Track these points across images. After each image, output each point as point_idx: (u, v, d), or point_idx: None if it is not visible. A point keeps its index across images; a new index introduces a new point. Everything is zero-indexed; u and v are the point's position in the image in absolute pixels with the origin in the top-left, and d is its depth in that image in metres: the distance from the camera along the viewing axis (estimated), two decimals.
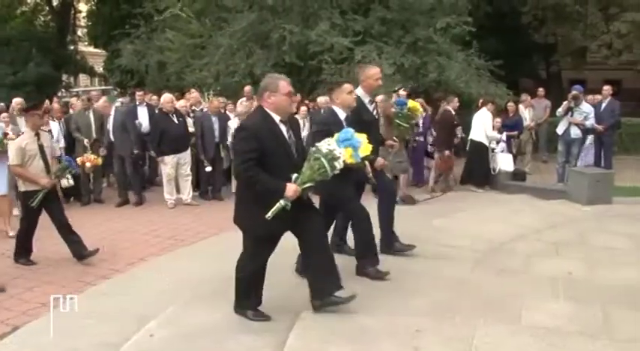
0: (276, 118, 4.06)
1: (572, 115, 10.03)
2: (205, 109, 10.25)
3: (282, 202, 3.88)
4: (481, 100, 10.78)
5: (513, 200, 8.62)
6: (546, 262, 5.58)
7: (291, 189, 3.90)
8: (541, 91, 14.28)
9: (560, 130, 10.33)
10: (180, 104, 9.51)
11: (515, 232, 6.61)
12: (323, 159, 3.95)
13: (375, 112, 5.48)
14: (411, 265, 5.36)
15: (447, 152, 9.65)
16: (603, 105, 11.08)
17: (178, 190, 9.19)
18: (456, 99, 10.39)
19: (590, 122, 10.29)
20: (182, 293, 4.74)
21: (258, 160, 3.90)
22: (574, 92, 10.44)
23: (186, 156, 9.07)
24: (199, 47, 15.93)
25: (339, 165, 4.00)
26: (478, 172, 9.69)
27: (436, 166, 9.97)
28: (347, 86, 5.01)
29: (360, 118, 5.07)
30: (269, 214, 3.87)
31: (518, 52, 24.95)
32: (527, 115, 12.61)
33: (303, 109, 10.06)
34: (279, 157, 4.01)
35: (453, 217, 7.51)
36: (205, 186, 9.56)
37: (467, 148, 10.18)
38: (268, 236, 4.09)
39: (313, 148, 4.05)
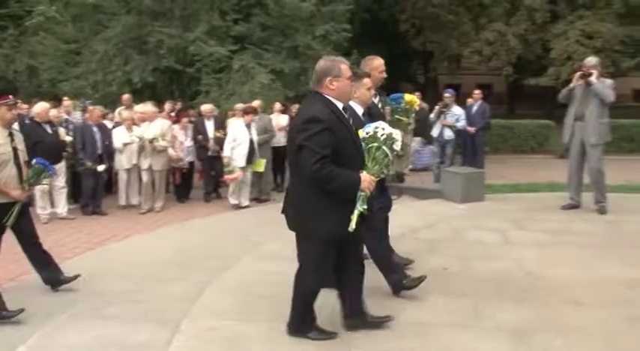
0: (339, 105, 3.66)
1: (444, 118, 10.51)
2: (79, 119, 9.88)
3: (359, 207, 3.56)
4: None
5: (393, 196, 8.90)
6: (423, 260, 5.78)
7: (367, 179, 3.57)
8: (418, 95, 14.87)
9: (435, 133, 10.81)
10: (52, 113, 9.04)
11: (394, 233, 6.77)
12: (384, 147, 3.71)
13: (380, 106, 5.26)
14: (289, 271, 5.38)
15: None
16: (474, 108, 11.73)
17: (53, 204, 8.73)
18: None
19: (462, 124, 10.82)
20: (56, 315, 4.53)
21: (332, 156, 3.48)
22: (445, 96, 10.94)
23: (60, 167, 8.64)
24: (74, 53, 15.24)
25: (397, 147, 3.79)
26: None
27: None
28: (367, 81, 4.63)
29: (369, 112, 4.80)
30: (352, 226, 3.54)
31: (398, 58, 25.82)
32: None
33: (185, 119, 9.92)
34: (350, 150, 3.62)
35: None
36: (86, 199, 9.14)
37: None
38: (337, 238, 3.65)
39: (367, 138, 3.74)
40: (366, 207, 3.58)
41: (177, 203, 9.61)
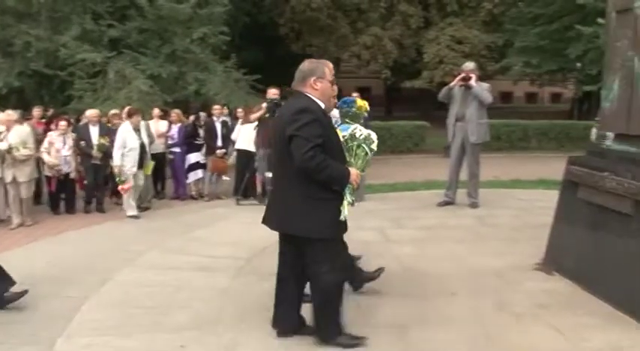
0: (322, 105, 3.64)
1: None
2: None
3: (349, 198, 3.60)
4: (239, 110, 10.94)
5: None
6: None
7: (354, 173, 3.59)
8: None
9: None
10: None
11: (275, 236, 6.77)
12: (364, 145, 3.76)
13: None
14: (170, 280, 5.27)
15: (218, 152, 9.69)
16: None
17: None
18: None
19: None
20: None
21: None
22: None
23: None
24: None
25: (374, 147, 3.83)
26: (249, 181, 9.68)
27: (211, 169, 9.91)
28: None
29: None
30: (344, 214, 3.59)
31: (278, 62, 25.87)
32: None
33: (63, 123, 9.21)
34: (335, 147, 3.61)
35: (214, 226, 7.58)
36: None
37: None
38: (339, 237, 3.73)
39: (347, 138, 3.79)
40: (354, 199, 3.65)
41: (53, 215, 8.94)
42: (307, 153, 3.36)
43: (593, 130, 6.94)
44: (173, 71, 14.09)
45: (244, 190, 9.28)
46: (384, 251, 6.21)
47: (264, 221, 3.84)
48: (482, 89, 8.02)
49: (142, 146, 8.73)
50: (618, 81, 4.86)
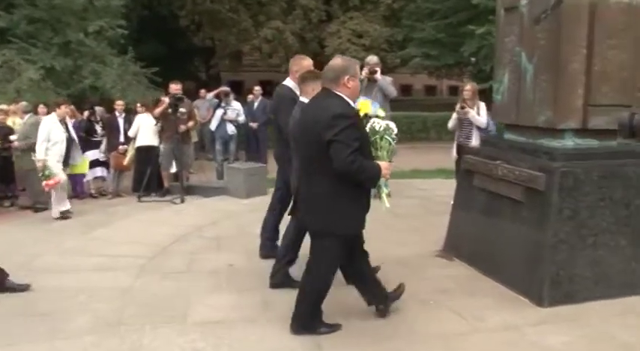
0: (351, 103, 3.66)
1: (225, 113, 10.49)
2: None
3: (385, 190, 3.86)
4: (139, 105, 10.60)
5: (177, 201, 8.65)
6: (209, 258, 5.73)
7: (385, 166, 3.67)
8: (203, 92, 14.66)
9: (213, 126, 10.73)
10: None
11: (179, 233, 6.68)
12: (386, 136, 3.80)
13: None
14: (68, 282, 5.03)
15: (120, 148, 9.34)
16: (256, 104, 11.91)
17: None
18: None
19: (243, 118, 10.92)
20: None
21: None
22: (224, 89, 10.93)
23: None
24: None
25: (396, 136, 3.89)
26: (151, 177, 9.34)
27: (114, 166, 9.50)
28: None
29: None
30: (385, 205, 3.89)
31: (179, 55, 25.35)
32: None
33: None
34: (366, 144, 3.67)
35: (115, 224, 7.29)
36: None
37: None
38: (356, 234, 3.85)
39: (368, 133, 3.78)
40: (389, 189, 3.79)
41: None
42: (348, 158, 3.41)
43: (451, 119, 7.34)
44: (68, 65, 13.43)
45: (146, 187, 8.99)
46: None
47: (293, 214, 3.98)
48: (387, 83, 8.17)
49: (69, 140, 8.17)
50: (508, 75, 5.11)
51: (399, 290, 4.32)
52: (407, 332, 3.98)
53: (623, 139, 2.61)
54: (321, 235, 3.73)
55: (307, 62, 5.29)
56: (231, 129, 10.53)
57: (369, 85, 8.16)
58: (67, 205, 7.95)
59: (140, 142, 9.28)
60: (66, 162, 8.15)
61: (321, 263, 3.79)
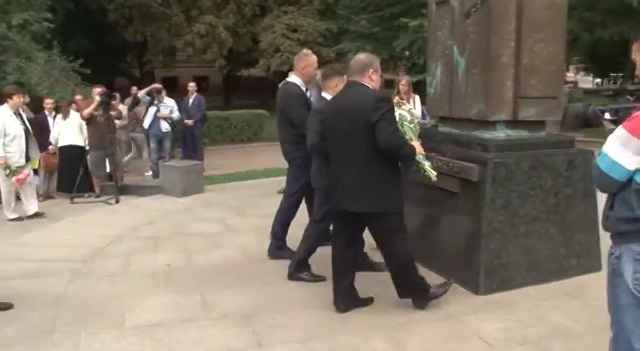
0: None
1: (158, 111, 10.28)
2: None
3: (427, 163, 4.17)
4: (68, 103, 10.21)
5: (111, 201, 8.42)
6: (146, 259, 5.61)
7: (417, 144, 4.03)
8: (135, 90, 14.30)
9: (146, 124, 10.50)
10: None
11: (113, 234, 6.51)
12: (413, 122, 4.13)
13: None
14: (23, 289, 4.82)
15: (50, 148, 8.99)
16: (190, 100, 11.73)
17: None
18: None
19: (177, 115, 10.73)
20: None
21: None
22: (155, 86, 10.69)
23: None
24: None
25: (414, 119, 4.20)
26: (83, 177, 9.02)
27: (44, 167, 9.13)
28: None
29: (308, 106, 5.08)
30: (434, 177, 4.15)
31: (110, 51, 24.66)
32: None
33: None
34: None
35: (47, 227, 7.03)
36: None
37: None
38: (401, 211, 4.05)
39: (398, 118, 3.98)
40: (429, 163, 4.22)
41: None
42: (393, 133, 3.76)
43: None
44: None
45: (78, 187, 8.70)
46: (226, 242, 6.18)
47: (340, 203, 4.01)
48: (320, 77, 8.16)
49: (27, 133, 7.67)
50: (440, 68, 5.20)
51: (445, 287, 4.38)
52: (348, 324, 4.00)
53: (573, 128, 2.76)
54: (384, 217, 3.93)
55: (313, 58, 5.41)
56: (165, 126, 10.34)
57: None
58: (35, 207, 7.71)
59: (63, 141, 8.96)
60: (27, 156, 7.68)
61: (396, 241, 4.02)
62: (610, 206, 2.55)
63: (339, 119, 3.92)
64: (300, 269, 4.90)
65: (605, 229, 2.62)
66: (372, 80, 3.95)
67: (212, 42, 22.94)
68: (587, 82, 54.12)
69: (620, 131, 2.41)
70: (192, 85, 11.97)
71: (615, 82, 43.23)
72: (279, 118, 5.52)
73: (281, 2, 25.51)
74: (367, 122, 3.72)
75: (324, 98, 4.58)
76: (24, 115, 7.92)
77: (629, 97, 2.76)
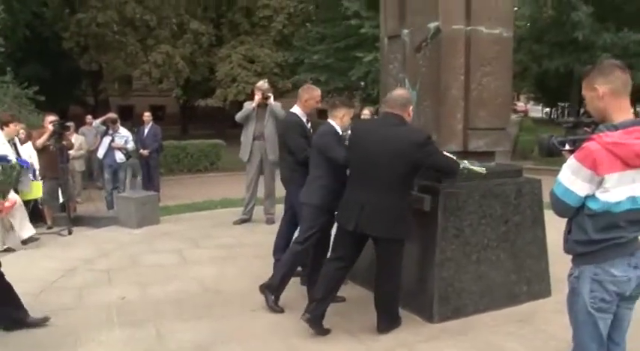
0: None
1: (113, 141, 10.16)
2: None
3: (467, 164, 4.56)
4: (21, 131, 9.98)
5: (64, 233, 8.22)
6: (100, 292, 5.50)
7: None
8: (90, 118, 14.13)
9: (101, 154, 10.35)
10: None
11: (66, 267, 6.36)
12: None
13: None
14: None
15: None
16: (146, 130, 11.64)
17: None
18: None
19: (131, 145, 10.62)
20: None
21: None
22: (110, 116, 10.56)
23: None
24: None
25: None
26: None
27: None
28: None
29: (305, 135, 5.33)
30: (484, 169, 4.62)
31: (65, 78, 24.34)
32: (81, 141, 12.27)
33: None
34: None
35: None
36: None
37: None
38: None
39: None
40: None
41: None
42: (448, 159, 4.25)
43: None
44: None
45: (30, 218, 8.46)
46: (182, 273, 6.11)
47: (347, 225, 4.22)
48: (279, 108, 8.25)
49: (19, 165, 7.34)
50: None
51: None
52: None
53: (541, 157, 3.01)
54: (391, 241, 4.17)
55: (317, 92, 5.71)
56: (119, 156, 10.21)
57: (260, 111, 8.20)
58: (31, 230, 7.33)
59: None
60: (15, 189, 7.37)
61: (396, 265, 4.25)
62: (568, 230, 2.75)
63: (372, 147, 4.13)
64: (269, 291, 4.94)
65: (565, 251, 2.79)
66: (409, 115, 4.26)
67: (169, 71, 22.87)
68: (537, 111, 55.75)
69: (571, 161, 2.61)
70: (147, 115, 11.90)
71: (562, 112, 44.73)
72: (280, 144, 5.98)
73: (237, 33, 25.71)
74: (413, 157, 4.03)
75: (331, 126, 4.83)
76: (18, 145, 7.67)
77: (587, 129, 2.96)
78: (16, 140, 7.72)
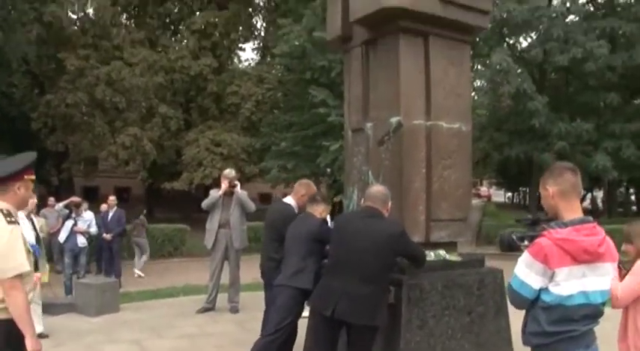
0: None
1: (75, 224, 10.02)
2: None
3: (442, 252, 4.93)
4: None
5: None
6: None
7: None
8: (52, 200, 13.96)
9: (62, 238, 10.17)
10: None
11: None
12: None
13: None
14: None
15: None
16: (110, 214, 11.54)
17: None
18: None
19: (94, 229, 10.47)
20: None
21: None
22: (74, 199, 10.45)
23: None
24: None
25: None
26: None
27: None
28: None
29: None
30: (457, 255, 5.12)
31: None
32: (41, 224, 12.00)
33: None
34: None
35: None
36: None
37: None
38: None
39: None
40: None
41: None
42: (420, 250, 4.50)
43: None
44: None
45: None
46: None
47: (325, 311, 4.24)
48: (245, 197, 8.29)
49: (38, 240, 6.92)
50: (357, 192, 5.43)
51: None
52: None
53: (502, 251, 3.22)
54: (367, 329, 4.23)
55: (313, 189, 5.96)
56: (81, 241, 10.05)
57: (226, 199, 8.23)
58: (40, 325, 6.66)
59: None
60: (36, 267, 6.93)
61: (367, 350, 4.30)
62: (525, 323, 2.85)
63: (355, 238, 4.28)
64: None
65: (523, 343, 2.89)
66: (387, 211, 4.46)
67: (136, 154, 22.92)
68: (500, 195, 56.93)
69: (525, 255, 2.76)
70: (112, 199, 11.83)
71: (524, 196, 45.78)
72: (266, 236, 5.97)
73: (206, 118, 26.10)
74: (390, 248, 4.24)
75: (313, 217, 5.11)
76: (35, 220, 7.39)
77: (545, 226, 3.15)
78: (32, 215, 7.41)
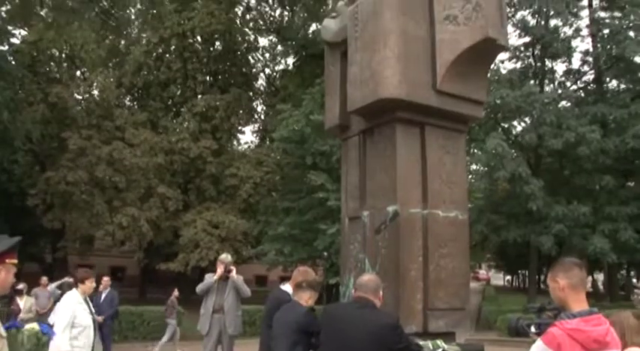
0: None
1: None
2: None
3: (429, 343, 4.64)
4: None
5: None
6: None
7: None
8: (45, 280, 13.73)
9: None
10: None
11: None
12: None
13: None
14: None
15: None
16: (103, 295, 11.35)
17: None
18: None
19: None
20: None
21: None
22: (67, 280, 10.31)
23: None
24: None
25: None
26: None
27: None
28: None
29: None
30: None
31: (23, 235, 24.01)
32: (31, 303, 11.81)
33: None
34: None
35: None
36: None
37: None
38: None
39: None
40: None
41: None
42: (419, 347, 4.40)
43: None
44: None
45: None
46: None
47: None
48: (241, 282, 8.20)
49: (94, 323, 6.52)
50: (352, 280, 5.38)
51: None
52: None
53: (510, 337, 3.42)
54: None
55: (313, 275, 5.72)
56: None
57: (221, 284, 8.14)
58: None
59: None
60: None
61: None
62: None
63: (345, 328, 4.19)
64: None
65: None
66: (379, 300, 4.31)
67: (132, 234, 22.85)
68: (499, 278, 56.36)
69: (539, 343, 2.92)
70: (106, 280, 11.67)
71: (523, 280, 45.31)
72: (265, 323, 5.70)
73: (204, 199, 26.19)
74: (384, 340, 4.06)
75: (298, 305, 4.87)
76: (90, 303, 7.19)
77: (550, 314, 3.21)
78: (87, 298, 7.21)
